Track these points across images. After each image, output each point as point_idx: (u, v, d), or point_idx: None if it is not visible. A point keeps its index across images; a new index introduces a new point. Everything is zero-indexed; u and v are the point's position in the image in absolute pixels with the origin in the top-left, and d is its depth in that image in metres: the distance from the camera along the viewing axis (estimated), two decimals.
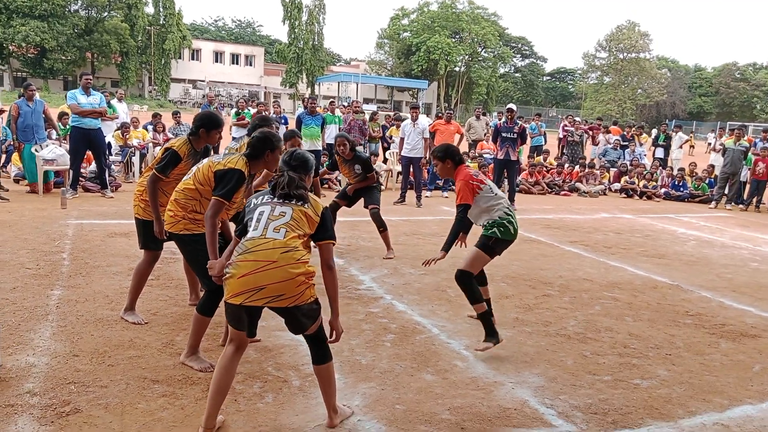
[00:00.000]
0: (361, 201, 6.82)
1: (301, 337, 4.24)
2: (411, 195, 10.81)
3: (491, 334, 4.15)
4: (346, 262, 6.40)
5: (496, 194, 4.32)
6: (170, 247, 4.65)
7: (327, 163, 7.66)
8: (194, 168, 3.72)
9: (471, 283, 4.24)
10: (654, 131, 16.77)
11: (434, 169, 4.75)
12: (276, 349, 4.04)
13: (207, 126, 4.08)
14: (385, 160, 13.66)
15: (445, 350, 4.19)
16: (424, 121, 11.14)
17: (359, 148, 11.27)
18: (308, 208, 2.96)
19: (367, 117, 13.74)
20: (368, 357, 4.00)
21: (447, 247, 4.26)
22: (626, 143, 15.90)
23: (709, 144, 15.89)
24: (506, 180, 11.24)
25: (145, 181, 4.09)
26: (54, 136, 10.24)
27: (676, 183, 14.04)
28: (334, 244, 3.05)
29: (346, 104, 16.95)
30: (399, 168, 12.60)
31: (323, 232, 2.99)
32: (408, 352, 4.12)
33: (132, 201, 4.33)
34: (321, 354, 3.03)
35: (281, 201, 2.94)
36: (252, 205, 3.01)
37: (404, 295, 5.37)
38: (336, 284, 3.05)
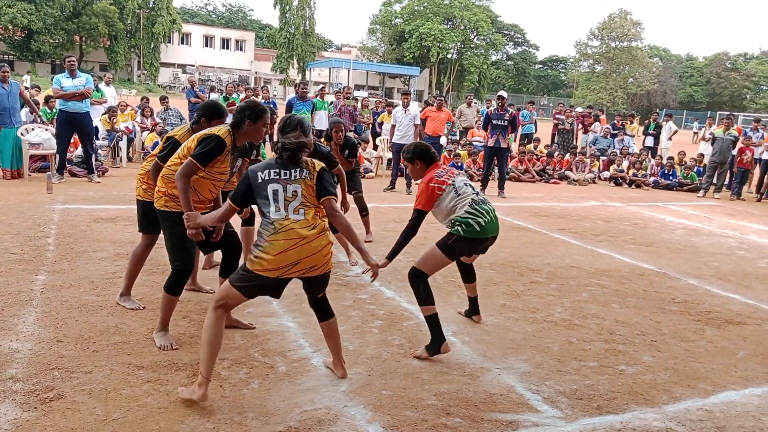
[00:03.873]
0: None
1: (288, 323, 4.26)
2: (400, 182, 10.79)
3: (436, 341, 3.81)
4: (335, 249, 6.36)
5: (460, 194, 3.92)
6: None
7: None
8: (183, 144, 3.71)
9: (419, 283, 3.93)
10: (636, 124, 16.71)
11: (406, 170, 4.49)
12: (263, 335, 4.03)
13: (208, 116, 4.03)
14: (375, 147, 13.61)
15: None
16: (415, 107, 11.09)
17: (349, 134, 11.30)
18: (308, 176, 3.14)
19: (358, 104, 13.67)
20: (355, 343, 4.00)
21: (392, 256, 3.99)
22: (616, 132, 15.93)
23: (695, 133, 15.93)
24: (496, 167, 11.23)
25: (148, 165, 4.07)
26: (38, 120, 10.07)
27: (666, 171, 14.09)
28: (336, 200, 3.22)
29: (337, 90, 16.83)
30: (389, 155, 12.57)
31: (322, 190, 3.17)
32: (395, 338, 4.12)
33: (136, 184, 4.23)
34: (328, 310, 3.46)
35: (288, 177, 3.10)
36: (258, 179, 3.10)
37: (392, 282, 5.36)
38: (349, 228, 3.30)
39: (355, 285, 5.22)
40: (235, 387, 3.30)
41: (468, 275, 4.47)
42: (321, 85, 15.36)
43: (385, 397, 3.30)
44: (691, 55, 76.77)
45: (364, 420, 3.06)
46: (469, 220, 3.85)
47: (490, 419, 3.15)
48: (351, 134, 11.49)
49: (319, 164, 3.21)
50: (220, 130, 3.53)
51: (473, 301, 4.54)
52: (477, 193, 4.04)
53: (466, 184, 4.02)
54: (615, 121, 16.72)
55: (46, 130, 9.63)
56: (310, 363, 3.66)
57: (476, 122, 15.15)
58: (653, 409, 3.40)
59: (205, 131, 3.59)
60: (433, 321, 3.84)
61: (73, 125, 9.06)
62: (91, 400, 3.05)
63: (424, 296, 3.90)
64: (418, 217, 4.01)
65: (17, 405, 2.95)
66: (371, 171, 12.53)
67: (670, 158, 14.52)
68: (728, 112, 19.69)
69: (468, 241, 3.90)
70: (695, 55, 77.13)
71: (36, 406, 2.96)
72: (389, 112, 13.56)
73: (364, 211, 6.71)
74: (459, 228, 3.87)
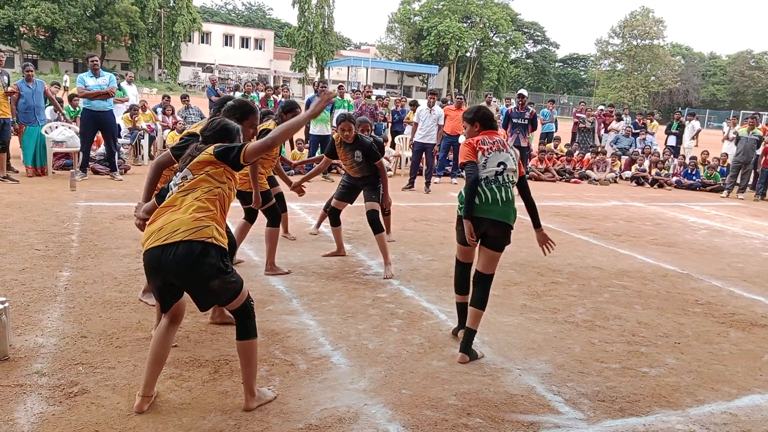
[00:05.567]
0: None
1: (308, 321, 4.27)
2: (419, 181, 10.77)
3: (458, 326, 4.13)
4: (354, 248, 6.39)
5: (484, 167, 3.79)
6: None
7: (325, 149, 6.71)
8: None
9: (455, 267, 4.07)
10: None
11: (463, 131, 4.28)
12: (283, 333, 4.04)
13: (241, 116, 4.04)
14: (393, 145, 13.60)
15: (451, 336, 4.18)
16: (439, 107, 11.05)
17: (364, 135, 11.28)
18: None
19: (378, 103, 13.66)
20: (375, 342, 4.00)
21: (468, 214, 3.76)
22: (638, 131, 15.75)
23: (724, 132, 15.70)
24: None
25: None
26: (61, 118, 10.21)
27: (689, 171, 13.90)
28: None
29: (355, 89, 16.85)
30: (408, 154, 12.56)
31: None
32: (415, 338, 4.11)
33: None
34: None
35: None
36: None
37: (411, 281, 5.36)
38: None
39: (374, 284, 5.22)
40: (257, 384, 3.31)
41: (476, 296, 3.86)
42: (339, 84, 15.38)
43: (405, 397, 3.30)
44: (714, 54, 75.79)
45: (384, 419, 3.06)
46: (469, 205, 3.76)
47: (511, 420, 3.13)
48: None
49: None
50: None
51: (469, 335, 3.84)
52: (502, 174, 3.80)
53: (500, 164, 3.80)
54: (636, 120, 16.52)
55: (70, 128, 9.75)
56: (329, 361, 3.67)
57: (495, 121, 15.05)
58: (676, 411, 3.35)
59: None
60: (457, 307, 4.14)
61: (97, 123, 9.18)
62: (114, 395, 3.09)
63: (454, 283, 4.13)
64: (468, 168, 3.80)
65: (43, 399, 3.00)
66: (390, 170, 12.53)
67: (693, 158, 14.32)
68: (753, 112, 19.36)
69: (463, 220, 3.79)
70: (718, 53, 76.28)
71: (61, 400, 3.00)
72: (413, 111, 13.57)
73: (378, 230, 5.85)
74: (458, 208, 3.89)
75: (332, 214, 5.99)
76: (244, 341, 2.97)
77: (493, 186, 3.77)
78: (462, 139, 12.44)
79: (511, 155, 3.91)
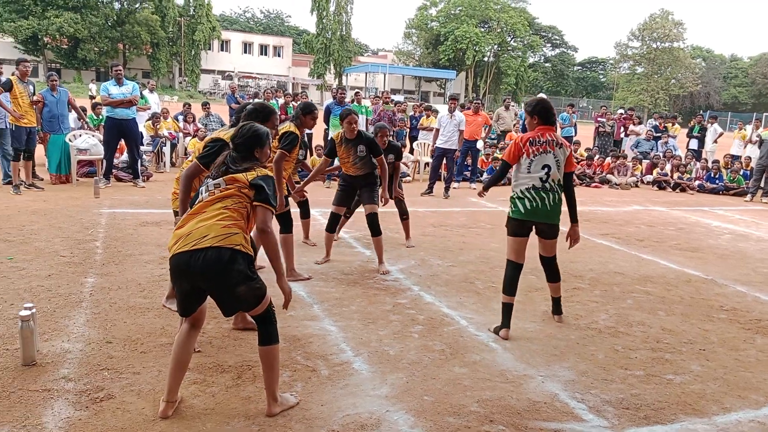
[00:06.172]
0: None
1: (329, 327, 4.29)
2: (438, 186, 10.75)
3: (501, 325, 4.32)
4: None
5: (531, 171, 4.17)
6: None
7: (325, 150, 6.54)
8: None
9: (506, 268, 4.32)
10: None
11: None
12: (305, 338, 4.06)
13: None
14: (411, 151, 13.62)
15: (473, 342, 4.16)
16: (460, 113, 11.05)
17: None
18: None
19: (397, 108, 13.70)
20: (396, 348, 4.00)
21: (486, 187, 4.50)
22: (659, 134, 15.58)
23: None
24: None
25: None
26: (85, 126, 10.37)
27: (711, 175, 13.72)
28: None
29: (374, 95, 16.90)
30: (427, 159, 12.55)
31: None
32: (436, 344, 4.10)
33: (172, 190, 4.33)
34: None
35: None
36: None
37: (432, 287, 5.35)
38: None
39: (394, 289, 5.22)
40: (279, 390, 3.33)
41: (549, 274, 4.58)
42: (356, 90, 15.42)
43: (427, 403, 3.29)
44: (736, 56, 74.80)
45: (406, 425, 3.06)
46: (515, 199, 4.23)
47: (534, 428, 3.11)
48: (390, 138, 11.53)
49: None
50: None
51: (556, 301, 4.68)
52: (547, 182, 4.19)
53: (544, 167, 4.18)
54: (657, 124, 16.35)
55: (93, 136, 9.91)
56: (351, 367, 3.68)
57: (514, 125, 15.01)
58: (702, 419, 3.31)
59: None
60: (503, 308, 4.31)
61: (120, 131, 9.32)
62: (139, 400, 3.12)
63: (503, 283, 4.33)
64: (501, 166, 4.35)
65: (70, 404, 3.04)
66: (408, 175, 12.53)
67: (716, 161, 14.14)
68: None
69: (515, 222, 4.26)
70: (740, 56, 75.10)
71: (87, 405, 3.04)
72: (427, 116, 13.58)
73: (376, 233, 5.83)
74: (510, 210, 4.28)
75: (331, 220, 5.98)
76: (266, 347, 3.00)
77: (542, 193, 4.20)
78: (480, 144, 12.56)
79: (558, 157, 4.23)
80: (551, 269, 4.55)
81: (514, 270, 4.28)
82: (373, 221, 5.73)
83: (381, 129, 6.40)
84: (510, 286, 4.28)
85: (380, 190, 5.99)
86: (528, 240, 4.32)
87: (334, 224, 5.99)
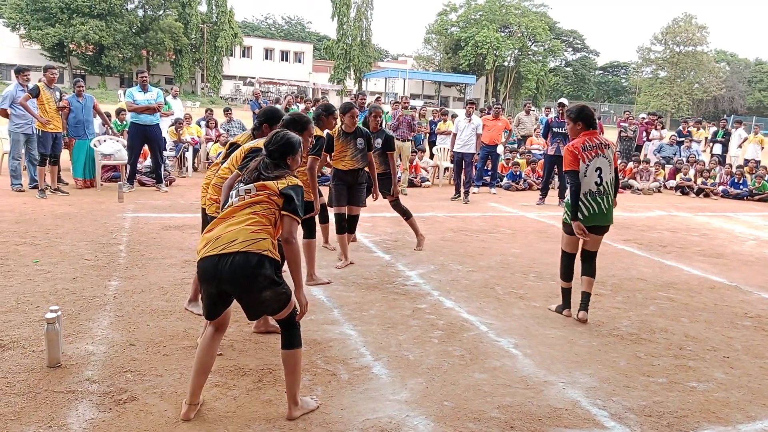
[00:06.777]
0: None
1: (349, 331, 4.30)
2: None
3: (562, 306, 4.82)
4: (393, 258, 6.40)
5: (585, 176, 4.44)
6: None
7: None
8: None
9: (561, 259, 4.78)
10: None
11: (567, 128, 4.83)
12: (325, 342, 4.08)
13: (270, 121, 4.14)
14: (431, 156, 13.61)
15: (493, 348, 4.15)
16: (477, 117, 11.03)
17: (406, 144, 11.31)
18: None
19: (416, 113, 13.71)
20: (416, 353, 4.00)
21: (573, 217, 4.49)
22: (682, 139, 15.39)
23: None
24: (556, 176, 11.04)
25: (212, 175, 4.18)
26: (109, 132, 10.52)
27: (735, 180, 13.52)
28: None
29: (393, 100, 16.93)
30: (446, 164, 12.54)
31: None
32: (456, 349, 4.09)
33: (200, 193, 4.35)
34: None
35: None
36: None
37: (452, 292, 5.34)
38: None
39: (414, 294, 5.22)
40: (300, 393, 3.34)
41: (586, 268, 4.74)
42: (376, 95, 15.47)
43: (447, 409, 3.28)
44: (760, 60, 73.39)
45: (426, 430, 3.05)
46: (574, 208, 4.45)
47: None
48: (408, 143, 11.54)
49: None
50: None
51: (585, 296, 4.75)
52: (601, 185, 4.47)
53: (597, 169, 4.44)
54: (681, 128, 16.15)
55: (117, 141, 10.06)
56: (371, 371, 3.68)
57: (535, 130, 14.94)
58: (726, 428, 3.26)
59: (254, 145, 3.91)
60: (563, 292, 4.81)
61: (144, 137, 9.47)
62: (162, 402, 3.16)
63: (561, 272, 4.79)
64: (571, 177, 4.48)
65: (94, 405, 3.09)
66: (428, 180, 12.53)
67: (740, 166, 13.92)
68: None
69: (570, 226, 4.54)
70: (765, 60, 73.76)
71: (111, 407, 3.09)
72: (444, 120, 13.57)
73: (352, 231, 6.16)
74: (566, 215, 4.55)
75: (338, 222, 5.97)
76: (289, 350, 3.02)
77: (597, 197, 4.49)
78: (500, 149, 12.51)
79: (609, 157, 4.52)
80: (590, 264, 4.75)
81: (569, 259, 4.75)
82: (353, 223, 5.99)
83: (374, 109, 6.45)
84: (567, 273, 4.76)
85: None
86: None
87: (342, 225, 5.99)
